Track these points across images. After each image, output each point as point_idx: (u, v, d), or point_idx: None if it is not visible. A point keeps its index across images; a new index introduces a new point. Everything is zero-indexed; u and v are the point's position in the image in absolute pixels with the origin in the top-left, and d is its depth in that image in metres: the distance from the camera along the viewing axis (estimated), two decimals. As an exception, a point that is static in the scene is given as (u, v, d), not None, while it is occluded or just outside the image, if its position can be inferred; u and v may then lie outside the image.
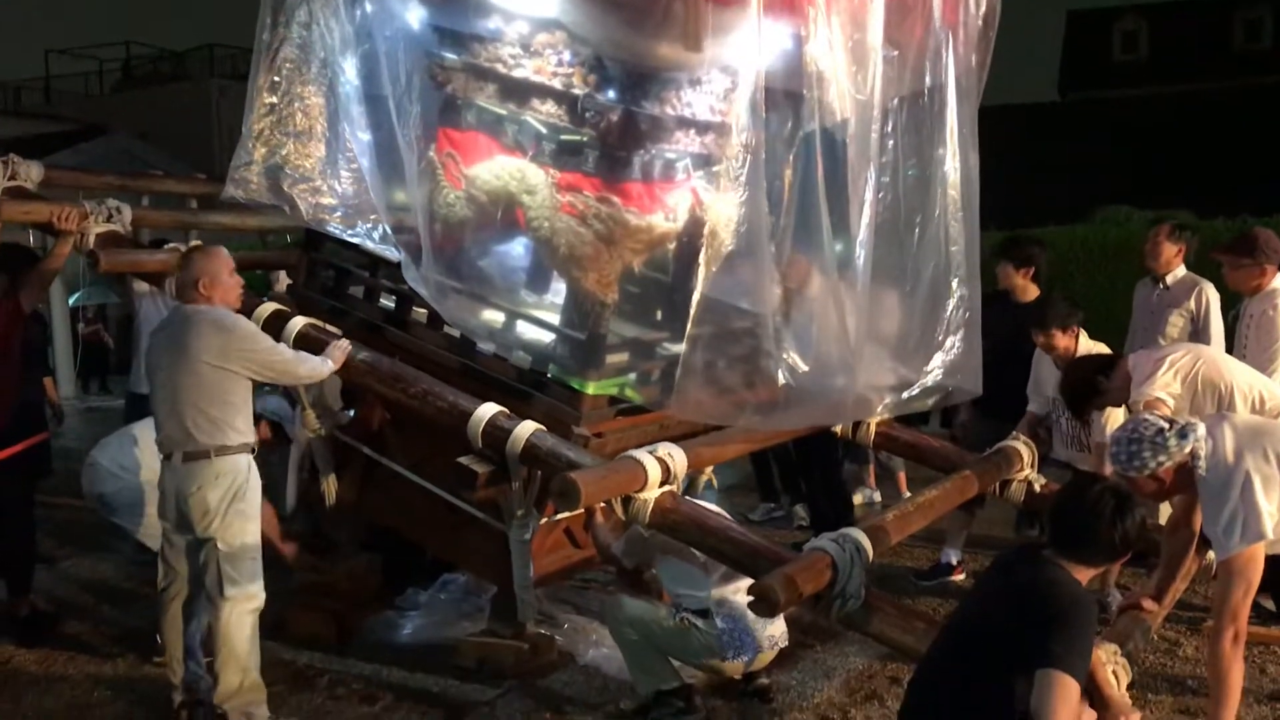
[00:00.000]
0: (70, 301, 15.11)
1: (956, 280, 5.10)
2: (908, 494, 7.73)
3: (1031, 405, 5.59)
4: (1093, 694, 3.08)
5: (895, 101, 4.71)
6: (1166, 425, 3.52)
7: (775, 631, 4.33)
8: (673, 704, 4.32)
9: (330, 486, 5.25)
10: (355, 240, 4.92)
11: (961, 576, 6.06)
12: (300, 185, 4.82)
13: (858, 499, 7.67)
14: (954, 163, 4.87)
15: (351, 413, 5.39)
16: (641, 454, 4.00)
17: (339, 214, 4.86)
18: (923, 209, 4.93)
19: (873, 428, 5.49)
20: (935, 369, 5.06)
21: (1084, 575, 3.02)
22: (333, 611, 5.22)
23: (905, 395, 5.06)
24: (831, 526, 4.01)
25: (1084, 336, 5.44)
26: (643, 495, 3.97)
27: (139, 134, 21.94)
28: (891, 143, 4.66)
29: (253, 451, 4.24)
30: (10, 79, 28.30)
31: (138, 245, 5.38)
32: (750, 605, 3.37)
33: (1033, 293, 6.10)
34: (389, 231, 4.74)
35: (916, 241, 5.01)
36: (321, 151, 4.86)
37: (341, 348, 4.55)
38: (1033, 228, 10.62)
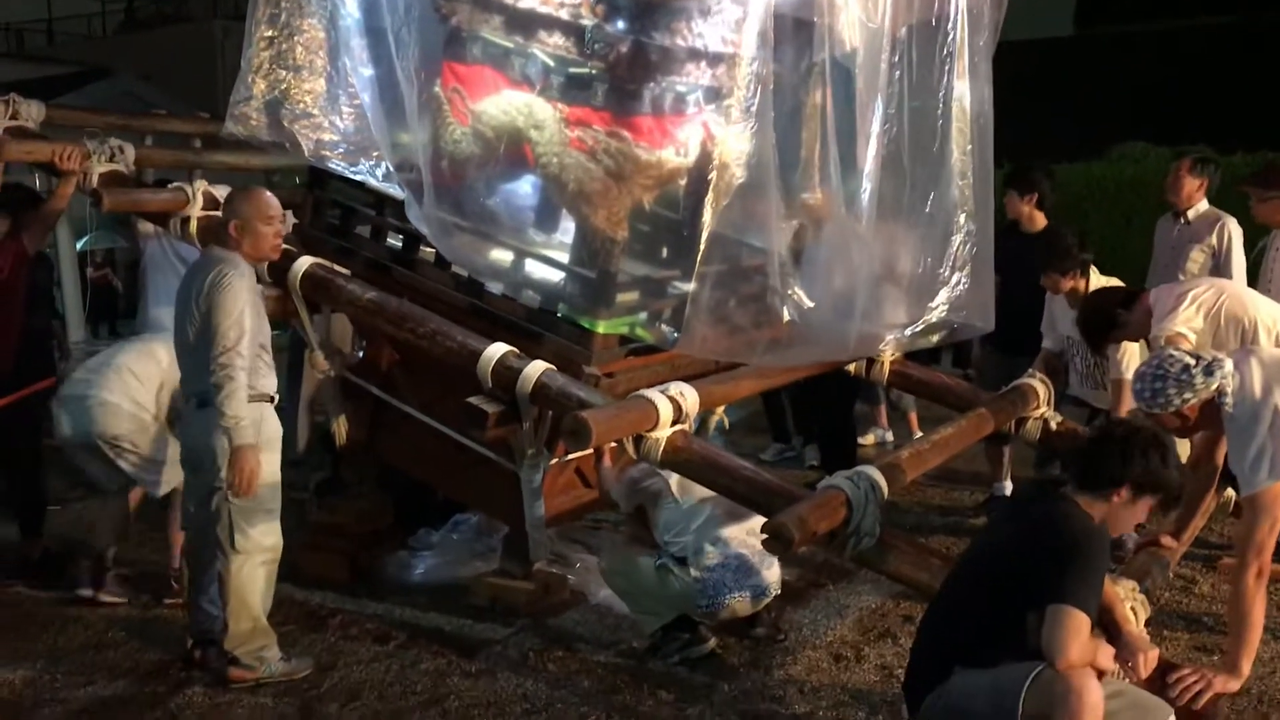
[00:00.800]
0: (79, 245, 15.02)
1: (965, 215, 5.02)
2: (920, 434, 7.72)
3: (1046, 342, 5.52)
4: (1111, 630, 3.05)
5: (905, 30, 4.59)
6: (1192, 361, 3.45)
7: (762, 581, 4.30)
8: (679, 637, 4.34)
9: (340, 427, 5.20)
10: (358, 178, 4.82)
11: None
12: (301, 121, 4.72)
13: (870, 439, 7.66)
14: (965, 95, 4.75)
15: (361, 354, 5.34)
16: (653, 393, 3.95)
17: (341, 151, 4.76)
18: (931, 142, 4.83)
19: (886, 366, 5.42)
20: (942, 304, 5.00)
21: (1095, 509, 2.96)
22: (344, 552, 5.23)
23: (911, 331, 5.02)
24: (842, 467, 3.97)
25: (1095, 274, 5.35)
26: (654, 434, 3.92)
27: (143, 76, 21.69)
28: (899, 73, 4.55)
29: (272, 401, 4.19)
30: (13, 21, 27.96)
31: (142, 185, 5.29)
32: (764, 543, 3.34)
33: (1040, 221, 6.01)
34: (391, 169, 4.63)
35: (925, 176, 4.93)
36: (322, 86, 4.75)
37: (247, 461, 4.02)
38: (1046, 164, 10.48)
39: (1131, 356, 4.97)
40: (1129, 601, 3.20)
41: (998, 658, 2.86)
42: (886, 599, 4.89)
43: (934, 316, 5.05)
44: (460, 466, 4.98)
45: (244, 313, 3.99)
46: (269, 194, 4.28)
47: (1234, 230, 5.61)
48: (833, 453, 6.33)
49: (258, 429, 4.08)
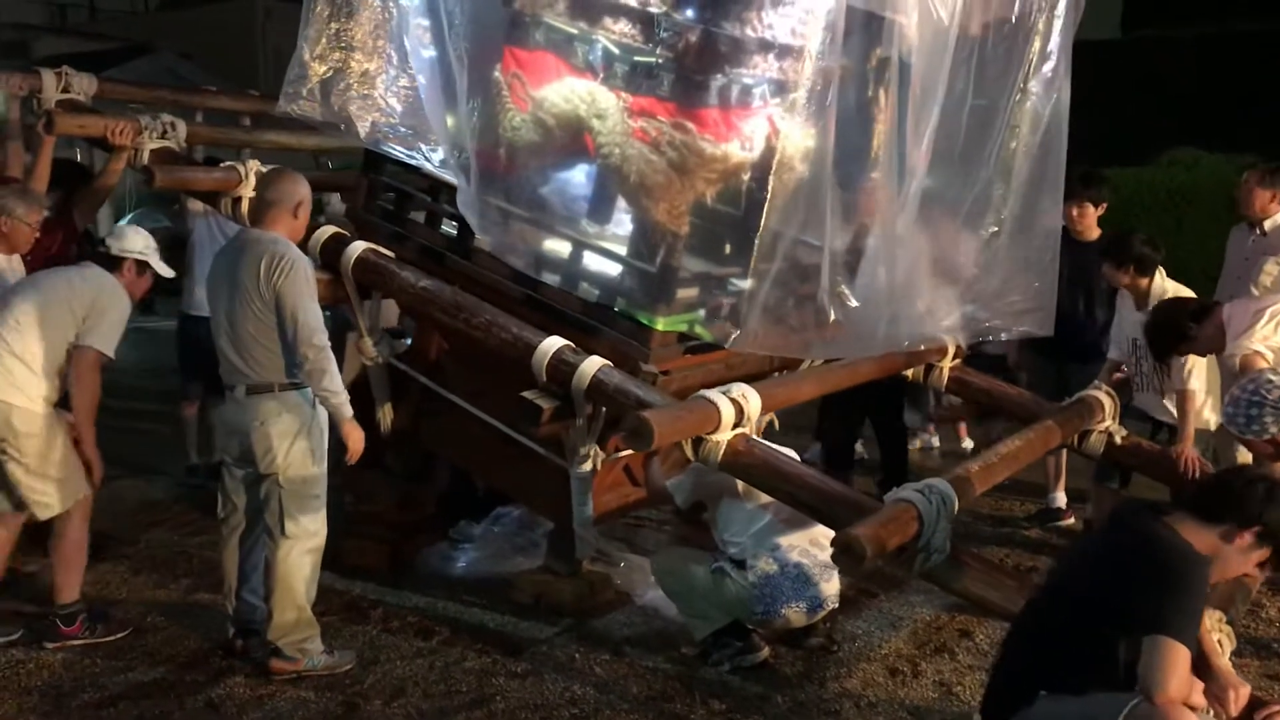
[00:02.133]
0: (121, 223, 15.06)
1: (1034, 218, 4.89)
2: (968, 441, 7.59)
3: (1111, 351, 5.37)
4: (1199, 663, 2.91)
5: (980, 26, 4.44)
6: None
7: (820, 593, 4.18)
8: (731, 644, 4.23)
9: (385, 415, 5.12)
10: (414, 163, 4.72)
11: (1071, 521, 6.01)
12: (357, 103, 4.61)
13: (916, 444, 7.51)
14: (1037, 96, 4.61)
15: (409, 341, 5.25)
16: (715, 394, 3.83)
17: (397, 134, 4.65)
18: (1000, 142, 4.68)
19: (946, 371, 5.29)
20: (1005, 308, 4.88)
21: (1202, 540, 2.81)
22: (386, 542, 5.13)
23: (968, 331, 4.90)
24: (896, 476, 3.86)
25: (1163, 277, 5.20)
26: (715, 437, 3.81)
27: (184, 54, 21.73)
28: (966, 70, 4.40)
29: None
30: (56, -3, 28.08)
31: (193, 163, 5.22)
32: (834, 557, 3.21)
33: (1095, 230, 5.87)
34: (446, 154, 4.52)
35: (992, 177, 4.79)
36: (380, 67, 4.64)
37: (356, 437, 4.10)
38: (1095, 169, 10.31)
39: (1197, 369, 4.82)
40: (1215, 633, 3.06)
41: (1087, 685, 2.73)
42: (940, 612, 4.76)
43: (996, 320, 4.94)
44: (507, 459, 4.88)
45: (314, 294, 3.96)
46: (305, 182, 4.22)
47: None
48: (888, 463, 6.20)
49: (311, 415, 4.03)
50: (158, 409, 8.19)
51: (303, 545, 4.05)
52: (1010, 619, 3.32)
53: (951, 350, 5.17)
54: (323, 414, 4.10)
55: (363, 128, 4.63)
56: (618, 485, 5.01)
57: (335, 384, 3.99)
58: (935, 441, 7.74)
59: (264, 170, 4.94)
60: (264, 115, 6.14)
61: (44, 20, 26.02)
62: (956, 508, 3.52)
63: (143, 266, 4.46)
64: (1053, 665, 2.82)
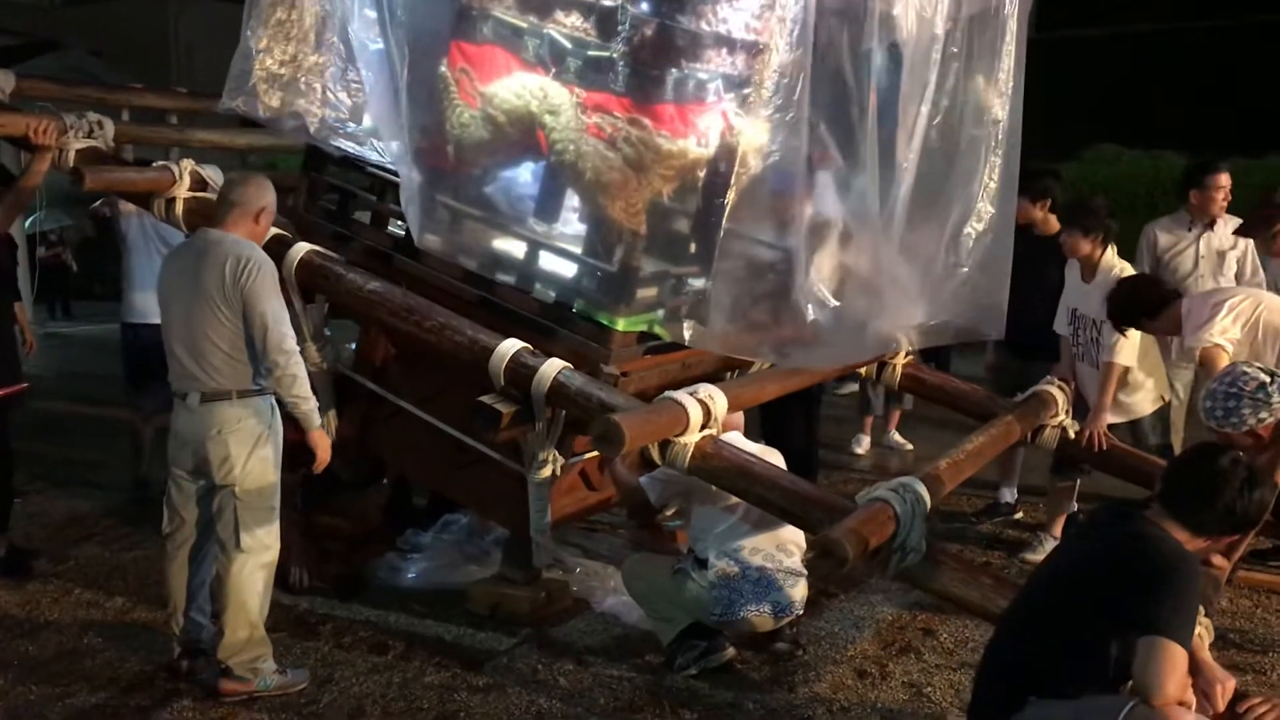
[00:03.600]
0: (28, 224, 14.53)
1: (988, 215, 4.88)
2: (895, 435, 7.63)
3: (1057, 324, 5.36)
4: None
5: (954, 21, 4.41)
6: (1268, 379, 3.32)
7: (782, 600, 4.10)
8: (696, 645, 4.15)
9: (330, 422, 4.94)
10: (367, 159, 4.56)
11: (1020, 515, 6.04)
12: (305, 98, 4.43)
13: (863, 448, 7.52)
14: (1004, 91, 4.61)
15: (353, 346, 5.08)
16: (682, 395, 3.75)
17: (347, 130, 4.48)
18: (966, 139, 4.68)
19: (899, 369, 5.27)
20: (955, 306, 4.86)
21: (1188, 541, 2.80)
22: (338, 554, 4.97)
23: (922, 332, 4.87)
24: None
25: (1113, 253, 5.22)
26: (683, 439, 3.72)
27: (92, 50, 21.03)
28: (953, 66, 4.37)
29: (272, 393, 3.93)
30: (-43, -8, 27.02)
31: (122, 163, 4.98)
32: (815, 559, 3.15)
33: (1054, 225, 5.88)
34: (395, 152, 4.37)
35: (955, 173, 4.78)
36: (329, 61, 4.45)
37: (324, 445, 4.02)
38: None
39: (1128, 346, 4.88)
40: (1196, 627, 3.05)
41: (1079, 689, 2.69)
42: (902, 610, 4.73)
43: (946, 317, 4.92)
44: (458, 466, 4.75)
45: (281, 297, 3.82)
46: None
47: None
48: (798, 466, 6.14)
49: (269, 422, 3.88)
50: (78, 418, 7.86)
51: (256, 559, 3.88)
52: (989, 618, 3.28)
53: (905, 348, 5.15)
54: (279, 421, 3.93)
55: (311, 123, 4.45)
56: (574, 489, 4.89)
57: (305, 390, 3.84)
58: (866, 442, 7.72)
59: (199, 170, 4.74)
60: (192, 113, 5.92)
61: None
62: (929, 505, 3.48)
63: None
64: (1041, 668, 2.78)
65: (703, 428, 3.77)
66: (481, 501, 4.91)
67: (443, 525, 5.56)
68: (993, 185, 4.81)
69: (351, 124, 4.47)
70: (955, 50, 4.42)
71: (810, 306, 4.42)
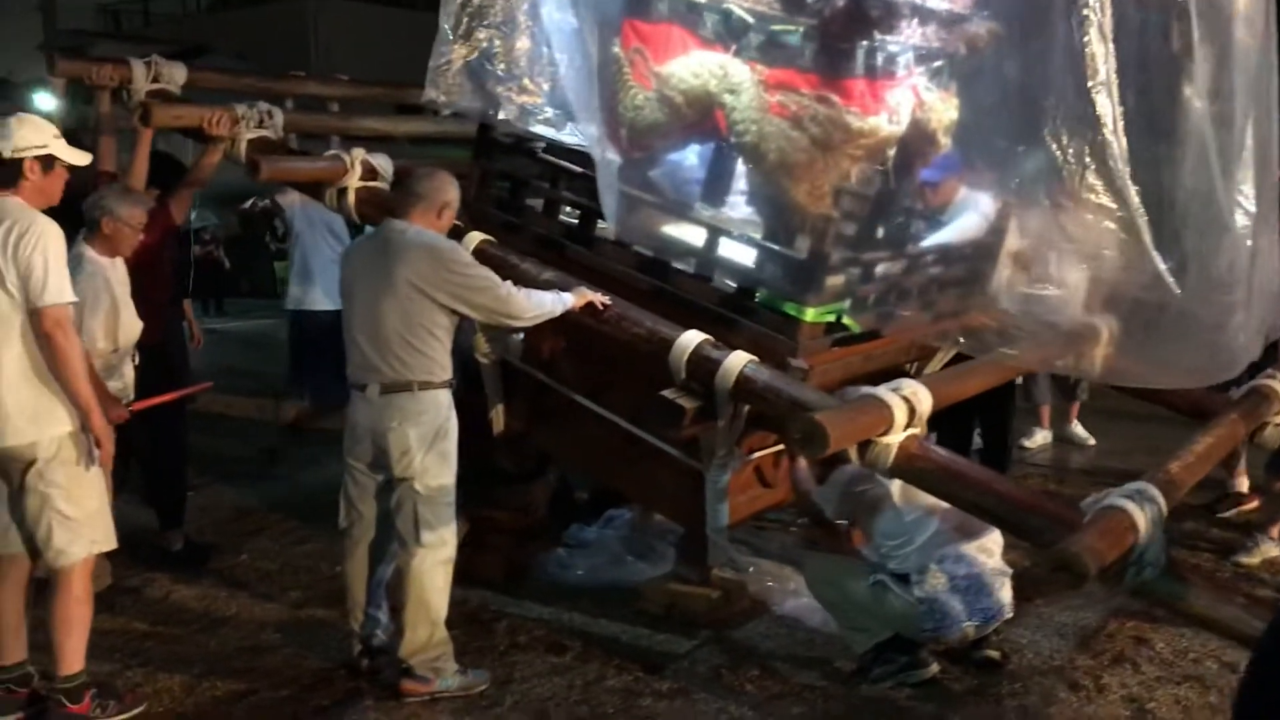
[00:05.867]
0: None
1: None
2: (1078, 427, 7.24)
3: None
4: None
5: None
6: None
7: (991, 605, 3.85)
8: (895, 659, 3.90)
9: (498, 415, 4.84)
10: (547, 144, 4.42)
11: (1255, 505, 5.63)
12: (504, 84, 4.29)
13: (1036, 440, 7.15)
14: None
15: (521, 337, 4.95)
16: (885, 393, 3.49)
17: (545, 115, 4.34)
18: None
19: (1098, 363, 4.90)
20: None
21: None
22: (500, 549, 4.86)
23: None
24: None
25: None
26: (886, 439, 3.46)
27: (237, 54, 21.65)
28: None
29: (452, 387, 3.83)
30: (108, 2, 28.15)
31: (292, 152, 4.96)
32: (1052, 575, 2.86)
33: None
34: (591, 137, 4.21)
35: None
36: (526, 45, 4.31)
37: (583, 290, 4.04)
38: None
39: None
40: None
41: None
42: (1107, 617, 4.41)
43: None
44: (629, 460, 4.59)
45: (490, 276, 3.80)
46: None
47: None
48: (989, 457, 5.81)
49: (447, 416, 3.80)
50: (237, 413, 7.96)
51: (436, 555, 3.78)
52: (1242, 641, 2.96)
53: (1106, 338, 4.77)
54: (454, 416, 3.83)
55: (510, 110, 4.32)
56: (748, 487, 4.68)
57: (543, 305, 3.87)
58: (1048, 436, 7.35)
59: (369, 159, 4.68)
60: (352, 100, 5.90)
61: (99, 26, 26.12)
62: (1165, 512, 3.17)
63: (48, 161, 3.51)
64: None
65: (906, 427, 3.51)
66: (654, 497, 4.75)
67: (606, 520, 5.43)
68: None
69: (548, 109, 4.31)
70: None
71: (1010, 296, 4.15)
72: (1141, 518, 3.02)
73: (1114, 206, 3.53)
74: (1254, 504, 5.66)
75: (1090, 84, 3.43)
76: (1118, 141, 3.47)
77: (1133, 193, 3.49)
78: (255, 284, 18.55)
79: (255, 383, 8.65)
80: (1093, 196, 3.54)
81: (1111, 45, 3.39)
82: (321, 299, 6.10)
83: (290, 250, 6.13)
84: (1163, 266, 3.69)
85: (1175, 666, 4.00)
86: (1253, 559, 4.98)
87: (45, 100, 16.84)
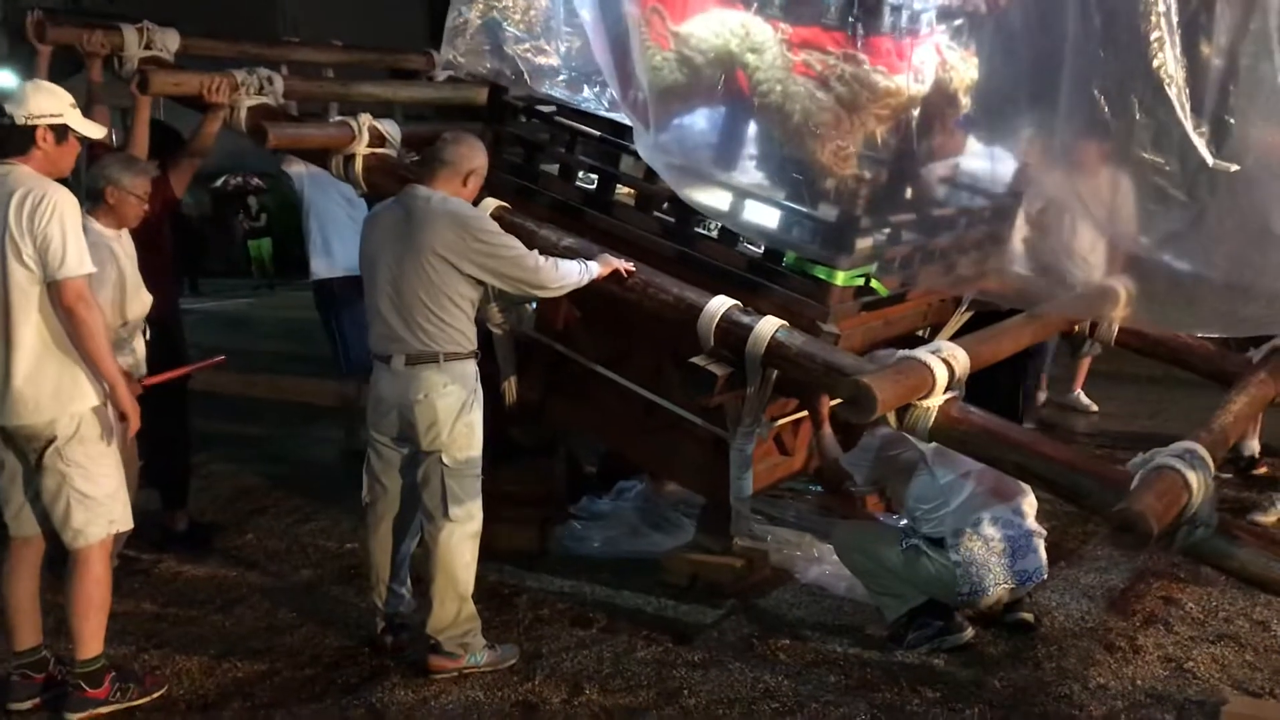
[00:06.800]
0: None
1: None
2: (1081, 395, 7.22)
3: None
4: None
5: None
6: None
7: (1028, 566, 3.81)
8: (931, 624, 3.85)
9: (510, 387, 4.75)
10: (588, 107, 4.31)
11: (1265, 470, 5.66)
12: (521, 45, 4.18)
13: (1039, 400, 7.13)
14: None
15: (534, 306, 4.86)
16: (925, 355, 3.43)
17: (562, 77, 4.23)
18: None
19: (1117, 325, 4.87)
20: None
21: None
22: (533, 521, 4.78)
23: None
24: None
25: None
26: (925, 403, 3.40)
27: (205, 32, 21.24)
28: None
29: (477, 358, 3.73)
30: (68, -23, 27.54)
31: (294, 118, 4.81)
32: (1113, 536, 2.82)
33: None
34: (618, 97, 4.11)
35: None
36: (543, 3, 4.19)
37: (608, 258, 3.94)
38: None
39: None
40: None
41: None
42: (1133, 578, 4.41)
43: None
44: (648, 430, 4.53)
45: (517, 245, 3.67)
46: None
47: None
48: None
49: (474, 387, 3.69)
50: (225, 392, 7.80)
51: (464, 529, 3.69)
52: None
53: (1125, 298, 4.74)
54: (480, 388, 3.73)
55: (527, 71, 4.22)
56: (768, 455, 4.64)
57: (570, 275, 3.78)
58: (1043, 396, 7.34)
59: (376, 125, 4.55)
60: (347, 66, 5.75)
61: (60, 3, 25.50)
62: (1213, 471, 3.13)
63: (62, 131, 3.35)
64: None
65: (946, 389, 3.45)
66: (674, 467, 4.69)
67: (619, 492, 5.37)
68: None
69: (565, 70, 4.21)
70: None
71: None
72: (1194, 477, 2.98)
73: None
74: (1263, 469, 5.68)
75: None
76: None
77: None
78: (228, 264, 18.25)
79: (243, 362, 8.50)
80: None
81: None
82: (344, 265, 5.93)
83: (304, 220, 5.95)
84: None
85: (1207, 625, 3.99)
86: (1269, 517, 4.98)
87: (6, 78, 16.48)
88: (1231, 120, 3.12)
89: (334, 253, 5.87)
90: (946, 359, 3.44)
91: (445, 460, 3.61)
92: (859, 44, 3.89)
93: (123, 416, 3.35)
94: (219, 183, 17.51)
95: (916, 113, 4.07)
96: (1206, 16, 3.17)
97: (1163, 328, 4.44)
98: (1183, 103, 3.08)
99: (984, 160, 4.49)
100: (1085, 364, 7.16)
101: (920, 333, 4.90)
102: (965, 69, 4.20)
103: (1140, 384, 7.37)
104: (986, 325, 4.55)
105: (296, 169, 5.70)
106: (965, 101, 4.22)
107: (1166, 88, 3.10)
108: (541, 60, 4.22)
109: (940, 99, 4.12)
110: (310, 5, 23.33)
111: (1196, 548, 3.05)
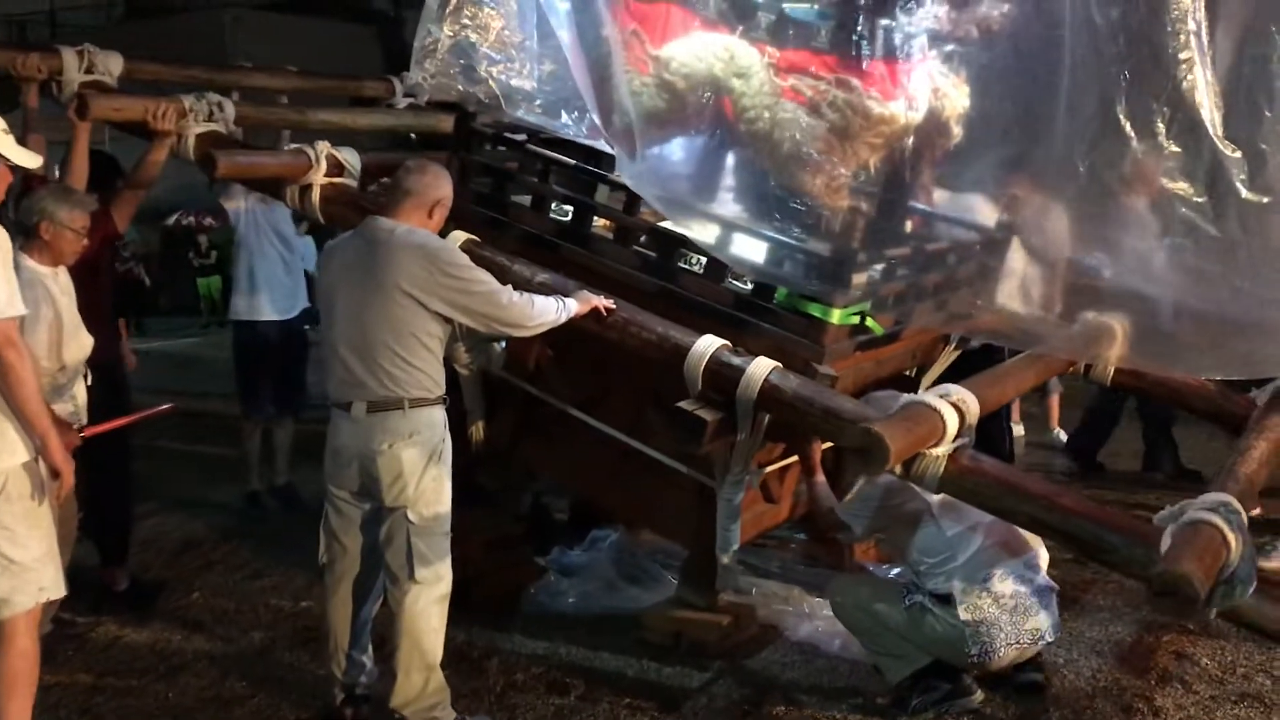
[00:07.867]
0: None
1: None
2: (1060, 433, 7.08)
3: None
4: None
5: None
6: None
7: (1041, 624, 3.56)
8: (938, 687, 3.58)
9: (478, 431, 4.46)
10: (566, 133, 4.06)
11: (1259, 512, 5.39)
12: (495, 66, 3.92)
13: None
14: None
15: (504, 345, 4.57)
16: (935, 400, 3.18)
17: (539, 102, 3.97)
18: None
19: (1113, 364, 4.67)
20: None
21: None
22: (484, 574, 4.45)
23: None
24: None
25: None
26: (935, 451, 3.15)
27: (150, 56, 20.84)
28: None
29: (445, 404, 3.43)
30: (14, 13, 26.92)
31: (247, 146, 4.51)
32: (1154, 601, 2.58)
33: None
34: (598, 123, 3.86)
35: None
36: (517, 25, 3.94)
37: (586, 295, 3.69)
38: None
39: None
40: None
41: None
42: (1139, 630, 4.18)
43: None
44: (627, 477, 4.25)
45: (491, 281, 3.39)
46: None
47: None
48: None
49: (442, 436, 3.38)
50: (173, 437, 7.43)
51: (431, 592, 3.37)
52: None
53: (1121, 338, 4.54)
54: (449, 437, 3.43)
55: (502, 94, 3.95)
56: (754, 504, 4.36)
57: (547, 312, 3.50)
58: (1020, 431, 7.16)
59: (335, 153, 4.27)
60: (301, 93, 5.48)
61: (3, 36, 25.00)
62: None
63: None
64: None
65: (956, 437, 3.21)
66: (654, 517, 4.41)
67: (591, 542, 5.06)
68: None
69: (541, 95, 3.95)
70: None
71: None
72: (1231, 534, 2.75)
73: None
74: (1258, 510, 5.49)
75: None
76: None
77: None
78: (177, 302, 17.77)
79: (187, 403, 8.10)
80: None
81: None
82: (267, 309, 5.66)
83: (235, 257, 5.66)
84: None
85: (1226, 684, 3.76)
86: (1272, 562, 4.77)
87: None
88: (1266, 148, 2.92)
89: (258, 295, 5.60)
90: (956, 404, 3.19)
91: (411, 517, 3.30)
92: (852, 68, 3.68)
93: (55, 473, 3.01)
94: (170, 220, 17.10)
95: (910, 141, 3.88)
96: (1235, 36, 2.98)
97: (1174, 371, 4.21)
98: (1215, 127, 2.87)
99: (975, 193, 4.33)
100: (1054, 401, 7.01)
101: (908, 373, 4.69)
102: (958, 96, 4.01)
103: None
104: (969, 365, 4.40)
105: (234, 205, 5.42)
106: (957, 130, 4.03)
107: (1198, 112, 2.89)
108: (517, 83, 3.96)
109: (933, 127, 3.94)
110: (259, 40, 22.95)
111: (1234, 609, 2.82)
